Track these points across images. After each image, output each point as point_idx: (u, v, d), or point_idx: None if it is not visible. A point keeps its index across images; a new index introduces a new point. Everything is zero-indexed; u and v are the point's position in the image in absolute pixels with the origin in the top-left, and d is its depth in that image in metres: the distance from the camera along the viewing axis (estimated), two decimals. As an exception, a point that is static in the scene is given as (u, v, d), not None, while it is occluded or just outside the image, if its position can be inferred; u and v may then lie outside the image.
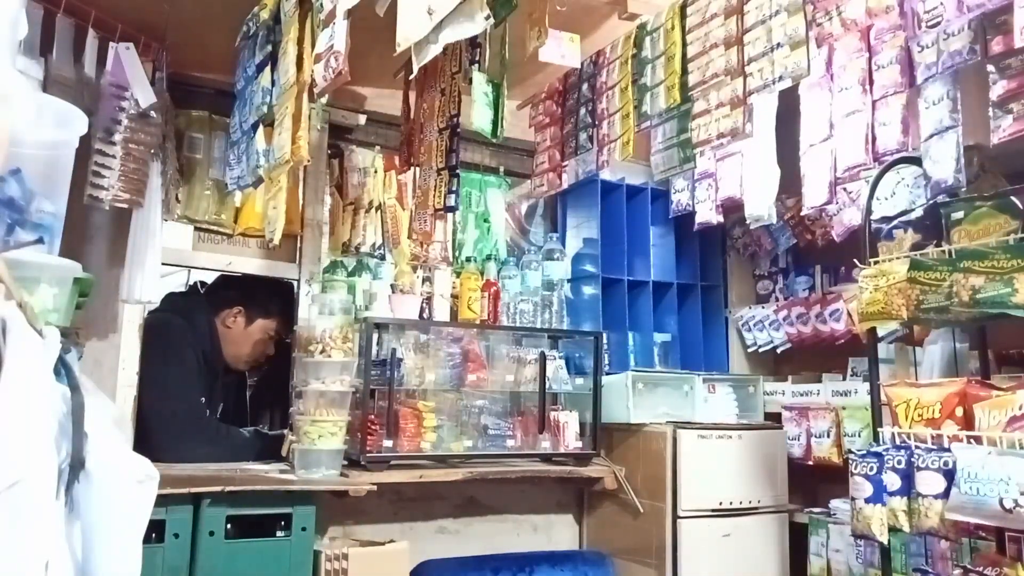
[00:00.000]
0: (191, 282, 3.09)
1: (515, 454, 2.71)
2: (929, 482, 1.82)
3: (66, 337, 0.96)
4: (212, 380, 2.67)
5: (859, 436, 2.69)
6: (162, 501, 1.49)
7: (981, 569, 1.87)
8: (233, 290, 2.76)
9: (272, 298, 2.77)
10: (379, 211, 2.96)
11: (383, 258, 2.94)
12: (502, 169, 3.24)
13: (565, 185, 2.71)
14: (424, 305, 2.83)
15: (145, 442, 2.18)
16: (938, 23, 1.73)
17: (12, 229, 0.99)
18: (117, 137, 2.15)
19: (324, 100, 2.37)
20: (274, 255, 2.75)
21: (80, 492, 0.92)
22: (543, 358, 2.73)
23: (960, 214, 2.00)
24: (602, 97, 2.37)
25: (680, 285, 3.42)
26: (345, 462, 2.34)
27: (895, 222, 2.46)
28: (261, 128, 2.13)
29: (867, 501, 1.94)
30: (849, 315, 2.93)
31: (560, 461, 2.75)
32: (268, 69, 2.05)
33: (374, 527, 2.46)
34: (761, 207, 2.59)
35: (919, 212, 2.41)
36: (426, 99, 2.40)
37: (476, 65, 2.06)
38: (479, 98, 2.02)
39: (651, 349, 3.26)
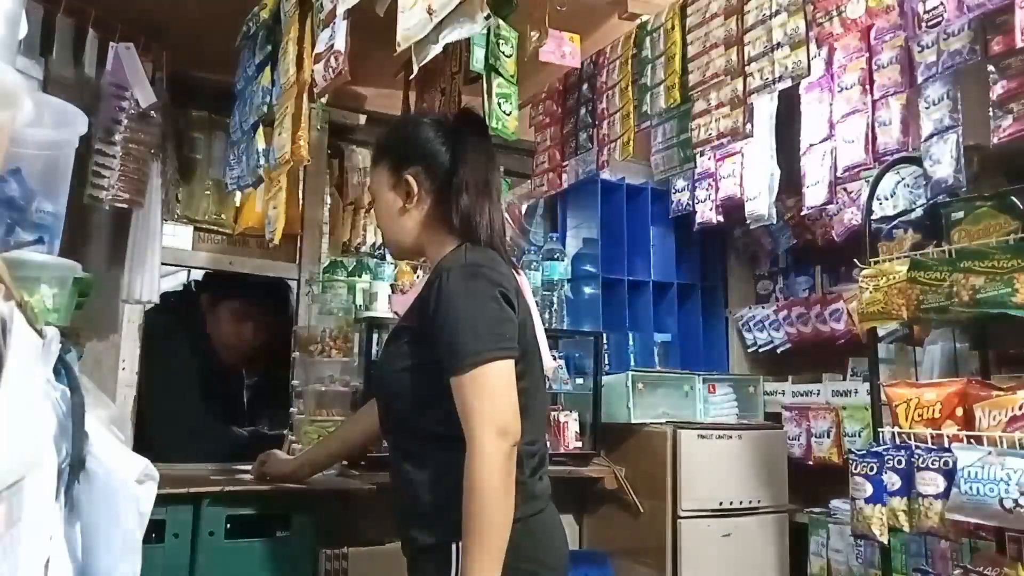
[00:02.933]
0: (186, 282, 3.10)
1: (515, 454, 2.70)
2: (929, 482, 1.82)
3: (66, 337, 0.96)
4: (210, 380, 2.67)
5: (859, 436, 2.69)
6: (162, 501, 1.48)
7: (981, 569, 1.87)
8: (220, 285, 2.78)
9: (259, 288, 2.79)
10: (379, 211, 2.96)
11: (383, 258, 2.94)
12: (502, 169, 3.23)
13: (565, 185, 2.71)
14: (424, 305, 2.83)
15: (145, 442, 2.18)
16: (938, 23, 1.73)
17: (12, 229, 0.99)
18: (117, 137, 2.15)
19: (324, 100, 2.37)
20: (274, 255, 2.75)
21: (80, 492, 0.92)
22: (543, 358, 2.73)
23: (960, 214, 1.99)
24: (602, 97, 2.37)
25: (680, 285, 3.42)
26: (345, 462, 2.34)
27: (895, 222, 2.46)
28: (261, 128, 2.13)
29: (867, 501, 1.94)
30: (849, 315, 2.93)
31: (560, 461, 2.75)
32: (268, 69, 2.05)
33: (374, 527, 2.45)
34: (761, 207, 2.59)
35: (919, 212, 2.41)
36: (426, 99, 2.40)
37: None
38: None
39: (651, 349, 3.26)
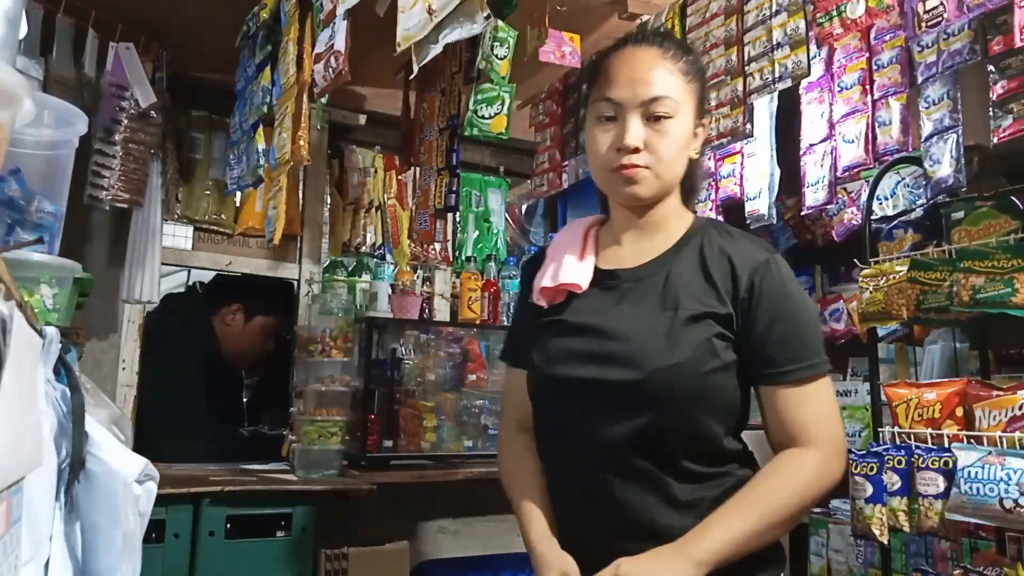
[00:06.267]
0: (190, 282, 3.10)
1: (515, 454, 2.70)
2: (929, 482, 1.82)
3: (66, 337, 0.96)
4: (211, 380, 2.67)
5: (859, 436, 2.69)
6: (162, 501, 1.49)
7: (981, 569, 1.87)
8: (231, 288, 2.76)
9: (270, 295, 2.78)
10: (379, 211, 2.97)
11: (383, 258, 2.94)
12: (502, 169, 3.24)
13: (565, 185, 2.70)
14: (424, 305, 2.83)
15: (145, 442, 2.18)
16: (938, 23, 1.73)
17: (12, 229, 0.99)
18: (117, 137, 2.16)
19: (324, 100, 2.37)
20: (274, 255, 2.76)
21: (80, 492, 0.92)
22: (543, 358, 2.73)
23: (960, 214, 1.99)
24: (602, 97, 2.37)
25: (680, 285, 3.41)
26: (345, 462, 2.34)
27: (895, 222, 2.46)
28: (261, 128, 2.13)
29: (867, 501, 1.93)
30: (849, 315, 2.93)
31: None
32: (268, 69, 2.05)
33: (374, 527, 2.46)
34: (761, 207, 2.59)
35: (919, 212, 2.41)
36: (426, 99, 2.40)
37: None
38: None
39: (651, 349, 3.25)
